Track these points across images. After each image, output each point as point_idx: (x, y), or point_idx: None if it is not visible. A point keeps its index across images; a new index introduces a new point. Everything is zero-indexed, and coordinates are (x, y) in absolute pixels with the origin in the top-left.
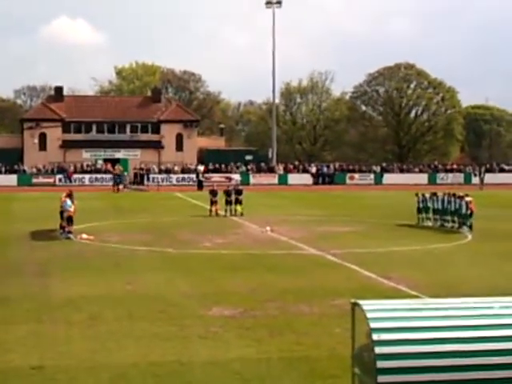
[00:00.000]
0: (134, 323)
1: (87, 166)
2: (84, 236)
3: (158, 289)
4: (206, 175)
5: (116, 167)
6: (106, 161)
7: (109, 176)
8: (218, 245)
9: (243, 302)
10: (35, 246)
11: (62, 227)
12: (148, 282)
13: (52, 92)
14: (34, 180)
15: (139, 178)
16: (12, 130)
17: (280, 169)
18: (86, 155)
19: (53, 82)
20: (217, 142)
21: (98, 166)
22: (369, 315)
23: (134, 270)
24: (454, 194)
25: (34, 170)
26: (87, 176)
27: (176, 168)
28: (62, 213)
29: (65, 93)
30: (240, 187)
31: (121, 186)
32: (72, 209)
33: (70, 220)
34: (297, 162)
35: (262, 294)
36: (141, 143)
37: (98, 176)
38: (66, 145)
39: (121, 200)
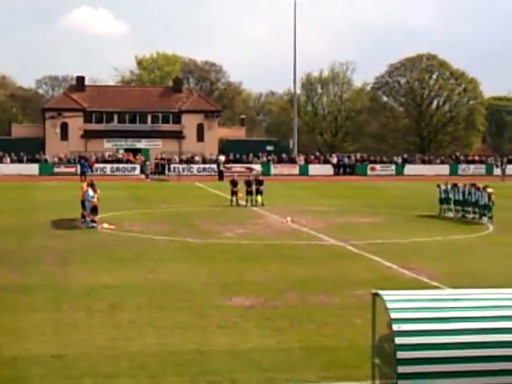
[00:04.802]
0: (155, 312)
1: (108, 155)
2: (105, 225)
3: (179, 278)
4: (227, 165)
5: (137, 157)
6: (127, 151)
7: (130, 166)
8: (239, 235)
9: (263, 292)
10: (56, 234)
11: (83, 216)
12: (169, 272)
13: (74, 82)
14: (56, 169)
15: (160, 168)
16: (34, 119)
17: (301, 159)
18: (108, 145)
19: (74, 72)
20: (238, 133)
21: (119, 156)
22: (389, 305)
23: (155, 259)
24: (474, 185)
25: (56, 160)
26: (108, 166)
27: (197, 158)
28: (83, 202)
29: (86, 83)
30: (261, 178)
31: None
32: (95, 199)
33: (94, 210)
34: (318, 153)
35: (281, 285)
36: (162, 133)
37: (120, 166)
38: (88, 134)
39: (142, 190)
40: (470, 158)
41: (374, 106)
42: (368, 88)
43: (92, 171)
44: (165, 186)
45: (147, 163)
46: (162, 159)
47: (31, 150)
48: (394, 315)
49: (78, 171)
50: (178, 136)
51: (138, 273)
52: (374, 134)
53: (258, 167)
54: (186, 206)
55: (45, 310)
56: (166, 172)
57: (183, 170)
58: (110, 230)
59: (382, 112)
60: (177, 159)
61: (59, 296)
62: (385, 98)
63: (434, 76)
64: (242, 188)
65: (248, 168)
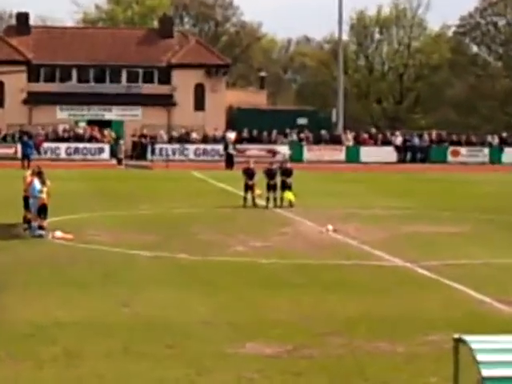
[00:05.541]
0: (131, 363)
1: (63, 130)
2: (59, 234)
3: (167, 313)
4: (239, 147)
5: (106, 133)
6: (90, 124)
7: (95, 146)
8: (256, 250)
9: (292, 335)
10: None
11: (27, 221)
12: (151, 303)
13: (13, 21)
14: None
15: (140, 150)
16: None
17: (349, 139)
18: (62, 115)
19: (14, 7)
20: (255, 98)
21: (80, 131)
22: (480, 357)
23: (131, 284)
24: None
25: None
26: (63, 146)
27: (194, 135)
28: (26, 199)
29: (32, 22)
30: (289, 165)
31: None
32: (44, 194)
33: (42, 211)
34: (374, 129)
35: (319, 325)
36: (143, 98)
37: (80, 146)
38: (33, 99)
39: (112, 182)
40: None
41: (459, 59)
42: (449, 33)
43: (39, 154)
44: (146, 176)
45: (120, 142)
46: (143, 136)
47: None
48: (486, 372)
49: (19, 153)
50: (167, 102)
51: (107, 304)
52: (457, 102)
53: (284, 150)
54: (178, 207)
55: None
56: (149, 155)
57: (174, 153)
58: (66, 241)
59: (469, 68)
60: (164, 137)
61: None
62: (474, 48)
63: None
64: (260, 181)
65: (270, 151)
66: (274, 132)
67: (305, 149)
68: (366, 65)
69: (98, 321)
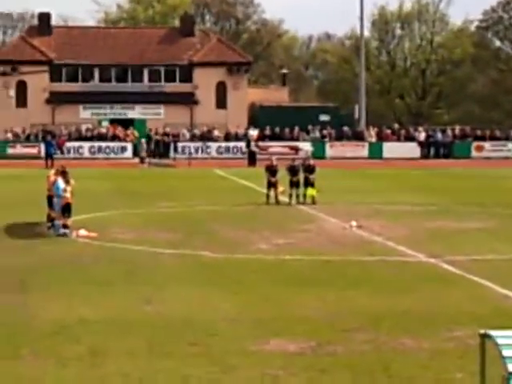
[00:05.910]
0: (155, 361)
1: (86, 129)
2: (83, 233)
3: (190, 311)
4: (261, 144)
5: (129, 132)
6: (113, 122)
7: (118, 145)
8: (279, 247)
9: (316, 331)
10: (12, 246)
11: (50, 219)
12: (175, 301)
13: (35, 21)
14: (9, 151)
15: (162, 148)
16: None
17: (371, 135)
18: (85, 114)
19: (36, 7)
20: (277, 95)
21: (103, 130)
22: (506, 353)
23: (154, 282)
24: None
25: (9, 136)
26: (86, 145)
27: (216, 133)
28: (50, 199)
29: (53, 22)
30: (311, 162)
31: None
32: (68, 193)
33: (66, 209)
34: (396, 125)
35: (344, 321)
36: (165, 96)
37: (103, 145)
38: (56, 99)
39: (135, 180)
40: None
41: (481, 53)
42: (472, 28)
43: (62, 153)
44: (169, 174)
45: (143, 141)
46: (166, 135)
47: None
48: None
49: (42, 153)
50: (189, 100)
51: (130, 302)
52: (481, 97)
53: (307, 146)
54: (201, 205)
55: None
56: (171, 154)
57: (196, 151)
58: (90, 240)
59: (492, 63)
60: (187, 135)
61: (16, 337)
62: (497, 43)
63: None
64: (283, 178)
65: (293, 148)
66: (297, 129)
67: (327, 145)
68: (388, 61)
69: (121, 319)
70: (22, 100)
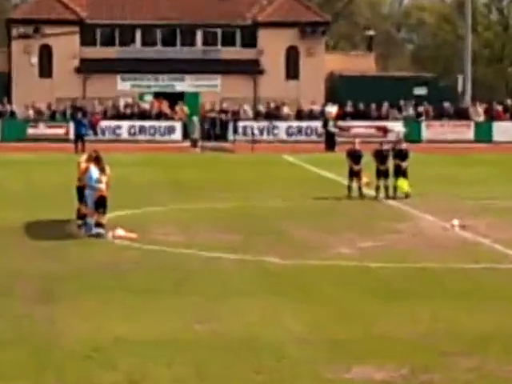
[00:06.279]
0: None
1: (126, 105)
2: (120, 233)
3: (252, 330)
4: (341, 123)
5: (177, 108)
6: (158, 96)
7: (164, 124)
8: (363, 251)
9: (408, 356)
10: (35, 249)
11: (81, 216)
12: (233, 318)
13: None
14: (31, 130)
15: (219, 129)
16: None
17: (479, 112)
18: (124, 86)
19: None
20: (361, 63)
21: (145, 106)
22: None
23: (208, 294)
24: None
25: (31, 113)
26: (125, 124)
27: (285, 110)
28: (81, 191)
29: None
30: (404, 146)
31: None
32: (103, 184)
33: (101, 204)
34: (510, 101)
35: (442, 343)
36: (222, 65)
37: (146, 124)
38: (88, 67)
39: (185, 169)
40: None
41: None
42: None
43: (96, 134)
44: (227, 160)
45: (195, 119)
46: (223, 112)
47: None
48: None
49: (71, 134)
50: (252, 70)
51: (179, 319)
52: None
53: (398, 127)
54: (267, 199)
55: (19, 381)
56: (230, 135)
57: (261, 132)
58: (129, 242)
59: None
60: (249, 112)
61: (41, 359)
62: None
63: None
64: (369, 165)
65: (381, 129)
66: (385, 105)
67: (423, 125)
68: (499, 20)
69: (167, 339)
70: (46, 69)
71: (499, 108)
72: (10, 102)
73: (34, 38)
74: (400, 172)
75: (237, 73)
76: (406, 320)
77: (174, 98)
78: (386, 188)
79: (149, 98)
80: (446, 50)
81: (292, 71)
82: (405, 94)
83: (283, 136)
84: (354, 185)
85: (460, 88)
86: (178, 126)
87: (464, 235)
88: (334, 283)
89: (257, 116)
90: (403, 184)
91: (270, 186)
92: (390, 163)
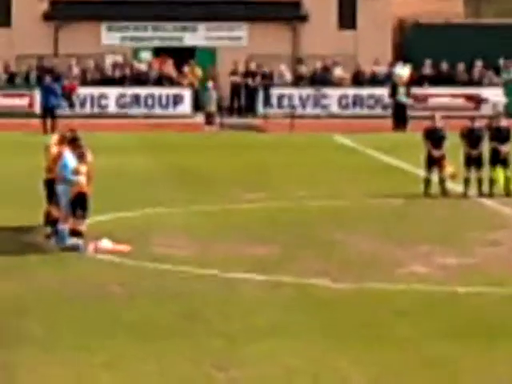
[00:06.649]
0: None
1: (114, 66)
2: (106, 244)
3: (287, 381)
4: (416, 91)
5: (187, 70)
6: (159, 53)
7: (168, 92)
8: (448, 271)
9: None
10: None
11: (51, 221)
12: (265, 364)
13: None
14: None
15: (244, 99)
16: None
17: None
18: (111, 39)
19: None
20: (444, 6)
21: (142, 68)
22: None
23: (230, 332)
24: None
25: None
26: (113, 92)
27: (338, 72)
28: (51, 185)
29: None
30: (504, 123)
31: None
32: (82, 177)
33: (78, 203)
34: None
35: None
36: (249, 9)
37: (142, 92)
38: (60, 13)
39: (197, 154)
40: None
41: None
42: None
43: (72, 106)
44: (255, 143)
45: (210, 85)
46: (251, 75)
47: None
48: None
49: (37, 106)
50: (291, 16)
51: (192, 366)
52: None
53: (497, 96)
54: (310, 196)
55: None
56: (260, 108)
57: (303, 104)
58: (119, 257)
59: None
60: (287, 75)
61: None
62: None
63: None
64: (455, 150)
65: (472, 99)
66: (478, 65)
67: None
68: None
69: None
70: (2, 15)
71: None
72: None
73: None
74: (498, 159)
75: (270, 20)
76: (508, 367)
77: (182, 56)
78: (479, 181)
79: (146, 55)
80: None
81: (346, 18)
82: (506, 49)
83: (334, 109)
84: (434, 177)
85: None
86: (188, 94)
87: None
88: (407, 315)
89: (298, 81)
90: (503, 176)
91: (315, 179)
92: (485, 147)
